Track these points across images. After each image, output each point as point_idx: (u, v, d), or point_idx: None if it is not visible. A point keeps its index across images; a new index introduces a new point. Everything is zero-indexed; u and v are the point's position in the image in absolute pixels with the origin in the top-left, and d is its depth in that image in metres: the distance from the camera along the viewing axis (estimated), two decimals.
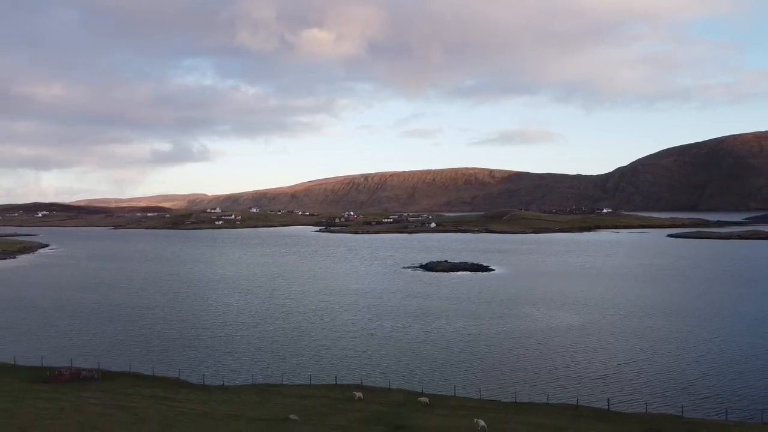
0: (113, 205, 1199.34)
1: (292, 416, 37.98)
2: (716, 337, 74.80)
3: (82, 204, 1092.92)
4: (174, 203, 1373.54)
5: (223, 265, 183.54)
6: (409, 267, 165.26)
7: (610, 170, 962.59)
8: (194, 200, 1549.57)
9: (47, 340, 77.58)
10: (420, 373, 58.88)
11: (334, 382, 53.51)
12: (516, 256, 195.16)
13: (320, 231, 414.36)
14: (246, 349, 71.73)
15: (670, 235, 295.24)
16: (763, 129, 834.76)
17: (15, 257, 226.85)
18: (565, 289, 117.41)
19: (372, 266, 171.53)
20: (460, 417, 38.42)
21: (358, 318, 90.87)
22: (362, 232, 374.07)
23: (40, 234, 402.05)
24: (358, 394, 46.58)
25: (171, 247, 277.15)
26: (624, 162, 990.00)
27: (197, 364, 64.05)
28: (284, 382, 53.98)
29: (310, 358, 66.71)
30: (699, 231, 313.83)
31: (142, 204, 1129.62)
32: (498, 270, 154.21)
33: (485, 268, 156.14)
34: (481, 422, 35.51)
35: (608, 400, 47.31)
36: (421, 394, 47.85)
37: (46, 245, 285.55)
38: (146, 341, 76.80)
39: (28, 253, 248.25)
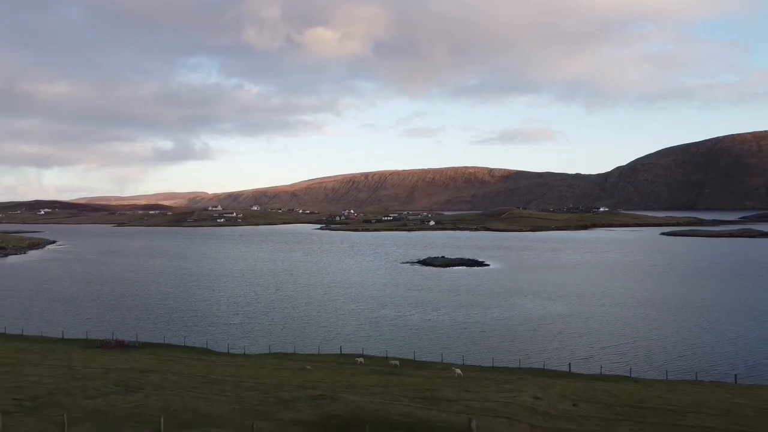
0: (113, 203, 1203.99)
1: (308, 367, 45.65)
2: (695, 325, 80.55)
3: (82, 202, 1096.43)
4: (174, 201, 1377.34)
5: (229, 260, 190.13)
6: (407, 262, 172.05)
7: (610, 169, 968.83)
8: (194, 198, 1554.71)
9: (77, 325, 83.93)
10: (416, 350, 65.62)
11: (339, 352, 60.93)
12: (512, 253, 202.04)
13: (321, 229, 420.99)
14: (258, 334, 78.30)
15: (664, 233, 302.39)
16: (765, 128, 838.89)
17: (25, 253, 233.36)
18: (558, 283, 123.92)
19: (373, 262, 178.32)
20: (443, 372, 45.81)
21: (361, 308, 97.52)
22: (362, 230, 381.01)
23: (45, 231, 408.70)
24: (360, 360, 54.38)
25: (176, 243, 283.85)
26: (625, 161, 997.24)
27: (218, 342, 71.23)
28: (296, 352, 61.56)
29: (318, 340, 73.45)
30: (692, 229, 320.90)
31: (143, 202, 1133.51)
32: (493, 265, 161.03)
33: (481, 264, 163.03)
34: (458, 370, 42.88)
35: (569, 364, 54.84)
36: (411, 360, 55.37)
37: (53, 242, 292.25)
38: (166, 327, 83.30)
39: (37, 249, 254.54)
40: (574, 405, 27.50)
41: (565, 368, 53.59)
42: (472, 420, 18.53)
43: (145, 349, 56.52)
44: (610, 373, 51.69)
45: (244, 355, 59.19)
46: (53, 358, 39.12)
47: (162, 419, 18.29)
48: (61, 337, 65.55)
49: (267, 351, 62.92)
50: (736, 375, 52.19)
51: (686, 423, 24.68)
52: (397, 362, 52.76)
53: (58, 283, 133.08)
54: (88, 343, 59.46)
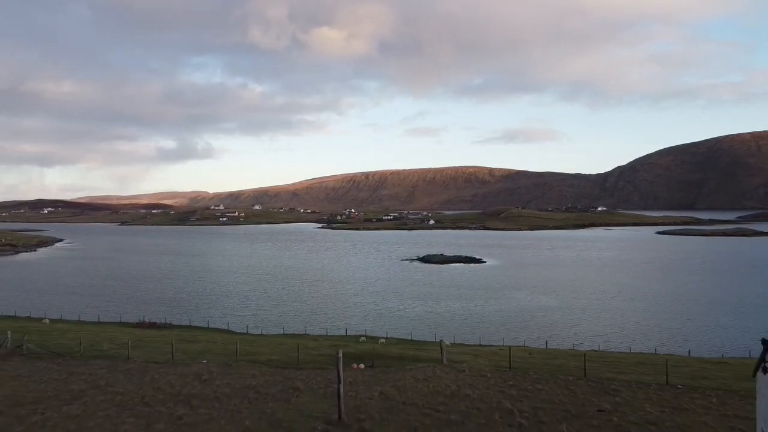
0: (114, 202, 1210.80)
1: (320, 339, 51.83)
2: (680, 315, 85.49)
3: (84, 201, 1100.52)
4: (175, 201, 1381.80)
5: (236, 257, 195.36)
6: (407, 260, 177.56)
7: (610, 169, 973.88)
8: (195, 197, 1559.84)
9: (104, 313, 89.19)
10: (413, 333, 71.16)
11: (345, 333, 67.60)
12: (509, 251, 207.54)
13: (322, 228, 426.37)
14: (271, 323, 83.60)
15: (659, 232, 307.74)
16: (765, 129, 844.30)
17: (35, 250, 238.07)
18: (554, 279, 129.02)
19: (375, 259, 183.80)
20: (434, 344, 52.18)
21: (365, 300, 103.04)
22: (363, 229, 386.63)
23: (50, 229, 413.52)
24: (363, 338, 60.67)
25: (181, 241, 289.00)
26: (627, 161, 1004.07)
27: (236, 327, 77.07)
28: (307, 333, 68.15)
29: (326, 326, 78.96)
30: (686, 228, 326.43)
31: (144, 201, 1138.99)
32: (490, 262, 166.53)
33: (478, 261, 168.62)
34: (447, 342, 48.88)
35: (546, 341, 60.90)
36: (408, 339, 61.59)
37: (60, 240, 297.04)
38: (185, 317, 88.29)
39: (46, 247, 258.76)
40: (530, 354, 33.69)
41: (543, 346, 59.89)
42: (442, 340, 24.35)
43: (175, 329, 62.89)
44: (582, 349, 57.72)
45: (262, 335, 65.44)
46: (110, 330, 45.29)
47: (237, 343, 24.26)
48: (97, 320, 71.79)
49: (281, 332, 69.23)
50: (689, 350, 58.51)
51: (605, 359, 30.70)
52: (384, 339, 58.89)
53: (75, 279, 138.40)
54: (123, 325, 65.73)
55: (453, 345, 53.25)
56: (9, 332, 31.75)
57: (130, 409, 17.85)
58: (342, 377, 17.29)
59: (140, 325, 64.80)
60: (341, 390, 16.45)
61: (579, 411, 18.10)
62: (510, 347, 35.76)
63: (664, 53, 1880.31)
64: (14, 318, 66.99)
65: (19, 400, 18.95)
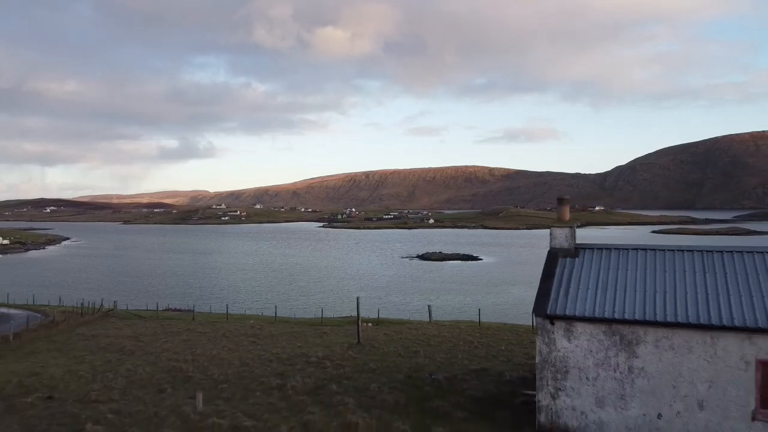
0: (115, 201, 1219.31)
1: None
2: None
3: (85, 200, 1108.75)
4: (176, 200, 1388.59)
5: (241, 255, 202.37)
6: (407, 257, 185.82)
7: (610, 169, 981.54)
8: (196, 197, 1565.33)
9: (131, 305, 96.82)
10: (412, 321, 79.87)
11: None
12: (505, 249, 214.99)
13: (324, 227, 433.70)
14: (280, 314, 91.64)
15: (654, 231, 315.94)
16: (763, 129, 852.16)
17: (44, 248, 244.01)
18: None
19: (377, 257, 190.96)
20: None
21: (369, 295, 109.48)
22: (364, 228, 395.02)
23: (55, 228, 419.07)
24: (369, 324, 69.47)
25: (186, 240, 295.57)
26: (627, 160, 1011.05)
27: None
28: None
29: (333, 316, 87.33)
30: (681, 227, 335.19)
31: (145, 200, 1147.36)
32: (486, 259, 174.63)
33: (475, 258, 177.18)
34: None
35: (532, 326, 69.61)
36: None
37: (67, 238, 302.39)
38: (203, 308, 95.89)
39: (54, 245, 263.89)
40: (504, 324, 42.74)
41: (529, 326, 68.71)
42: (429, 305, 33.61)
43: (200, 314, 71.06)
44: None
45: (276, 317, 73.93)
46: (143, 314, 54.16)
47: (276, 307, 33.50)
48: (126, 308, 79.66)
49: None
50: None
51: None
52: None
53: (90, 275, 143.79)
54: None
55: None
56: (102, 298, 40.76)
57: (220, 338, 26.77)
58: (360, 315, 26.23)
59: (168, 311, 72.22)
60: (359, 324, 25.19)
61: (518, 342, 27.00)
62: (479, 310, 44.80)
63: (666, 53, 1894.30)
64: (49, 306, 75.09)
65: (142, 333, 27.82)
